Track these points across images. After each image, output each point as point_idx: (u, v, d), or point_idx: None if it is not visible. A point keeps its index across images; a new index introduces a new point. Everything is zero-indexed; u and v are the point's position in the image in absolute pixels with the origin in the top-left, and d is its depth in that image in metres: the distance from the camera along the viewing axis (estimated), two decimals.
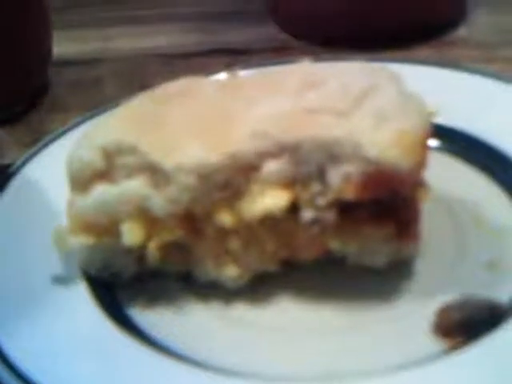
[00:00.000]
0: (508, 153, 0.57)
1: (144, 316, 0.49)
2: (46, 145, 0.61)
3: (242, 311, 0.49)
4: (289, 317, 0.49)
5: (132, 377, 0.44)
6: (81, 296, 0.49)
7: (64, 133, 0.62)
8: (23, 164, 0.59)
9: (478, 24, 0.84)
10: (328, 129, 0.47)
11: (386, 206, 0.47)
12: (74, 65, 0.83)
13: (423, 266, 0.50)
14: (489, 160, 0.58)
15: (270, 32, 0.86)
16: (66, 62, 0.83)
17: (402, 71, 0.51)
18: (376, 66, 0.52)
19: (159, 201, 0.48)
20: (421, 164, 0.47)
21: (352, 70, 0.52)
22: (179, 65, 0.81)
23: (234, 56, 0.81)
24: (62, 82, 0.80)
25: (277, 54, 0.81)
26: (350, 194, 0.46)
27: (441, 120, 0.54)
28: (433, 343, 0.45)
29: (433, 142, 0.57)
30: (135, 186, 0.48)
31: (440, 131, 0.56)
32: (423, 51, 0.79)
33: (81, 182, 0.49)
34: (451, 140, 0.59)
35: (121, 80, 0.80)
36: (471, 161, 0.58)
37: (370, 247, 0.49)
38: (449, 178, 0.56)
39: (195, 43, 0.86)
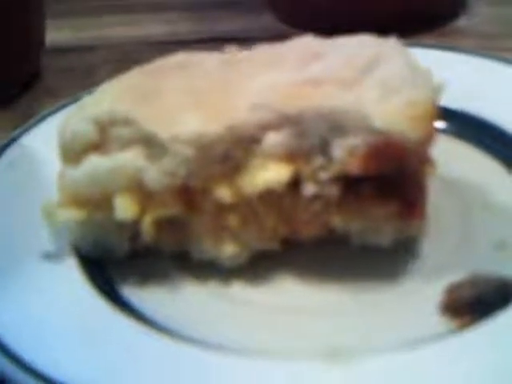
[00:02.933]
0: None
1: (137, 295, 0.47)
2: (37, 122, 0.59)
3: (240, 290, 0.47)
4: (290, 297, 0.47)
5: (124, 355, 0.42)
6: (71, 273, 0.47)
7: (56, 111, 0.60)
8: (13, 140, 0.57)
9: (479, 15, 0.82)
10: (332, 99, 0.45)
11: (392, 182, 0.45)
12: (67, 52, 0.82)
13: (430, 246, 0.49)
14: (496, 142, 0.56)
15: (266, 21, 0.84)
16: (59, 50, 0.81)
17: None
18: (382, 38, 0.50)
19: (154, 173, 0.46)
20: (429, 137, 0.45)
21: (357, 41, 0.50)
22: (174, 53, 0.79)
23: (230, 45, 0.79)
24: (55, 69, 0.78)
25: (274, 43, 0.79)
26: (354, 167, 0.44)
27: (448, 102, 0.52)
28: (441, 323, 0.43)
29: (440, 124, 0.56)
30: (129, 158, 0.46)
31: (447, 113, 0.55)
32: (424, 41, 0.77)
33: (72, 153, 0.47)
34: (458, 122, 0.57)
35: (114, 67, 0.77)
36: (478, 143, 0.57)
37: (375, 225, 0.47)
38: (455, 159, 0.54)
39: (190, 32, 0.84)
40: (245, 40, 0.79)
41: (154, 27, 0.86)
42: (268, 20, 0.84)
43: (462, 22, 0.81)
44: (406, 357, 0.40)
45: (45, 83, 0.76)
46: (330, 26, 0.76)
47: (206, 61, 0.51)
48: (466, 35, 0.79)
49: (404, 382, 0.39)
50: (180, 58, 0.52)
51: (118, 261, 0.49)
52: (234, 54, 0.53)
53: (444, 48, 0.65)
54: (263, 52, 0.53)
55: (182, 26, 0.85)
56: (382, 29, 0.74)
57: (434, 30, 0.79)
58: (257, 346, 0.43)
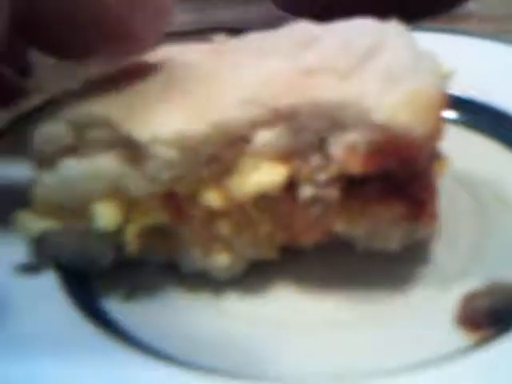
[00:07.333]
0: None
1: (123, 310, 0.43)
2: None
3: (234, 303, 0.43)
4: (288, 309, 0.43)
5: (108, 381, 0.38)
6: (50, 288, 0.43)
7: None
8: None
9: None
10: (329, 92, 0.41)
11: (398, 181, 0.41)
12: None
13: (442, 250, 0.44)
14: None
15: (268, 10, 0.80)
16: None
17: None
18: (383, 22, 0.46)
19: (136, 179, 0.42)
20: (437, 130, 0.40)
21: (355, 26, 0.46)
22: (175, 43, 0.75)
23: (232, 35, 0.75)
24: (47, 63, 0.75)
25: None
26: (355, 166, 0.40)
27: (458, 90, 0.49)
28: (457, 337, 0.39)
29: (450, 114, 0.52)
30: (108, 162, 0.42)
31: (458, 102, 0.51)
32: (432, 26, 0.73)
33: (47, 157, 0.43)
34: (471, 112, 0.53)
35: None
36: (492, 134, 0.52)
37: (381, 229, 0.43)
38: (468, 153, 0.50)
39: (192, 22, 0.80)
40: (246, 30, 0.76)
41: None
42: (269, 9, 0.81)
43: (470, 5, 0.76)
44: (417, 379, 0.36)
45: (36, 79, 0.73)
46: (330, 11, 0.72)
47: (190, 52, 0.47)
48: (474, 19, 0.74)
49: None
50: (161, 52, 0.48)
51: (102, 273, 0.45)
52: (222, 44, 0.49)
53: (451, 32, 0.60)
54: (254, 40, 0.48)
55: (184, 17, 0.81)
56: (387, 14, 0.70)
57: (441, 15, 0.74)
58: (251, 367, 0.39)
